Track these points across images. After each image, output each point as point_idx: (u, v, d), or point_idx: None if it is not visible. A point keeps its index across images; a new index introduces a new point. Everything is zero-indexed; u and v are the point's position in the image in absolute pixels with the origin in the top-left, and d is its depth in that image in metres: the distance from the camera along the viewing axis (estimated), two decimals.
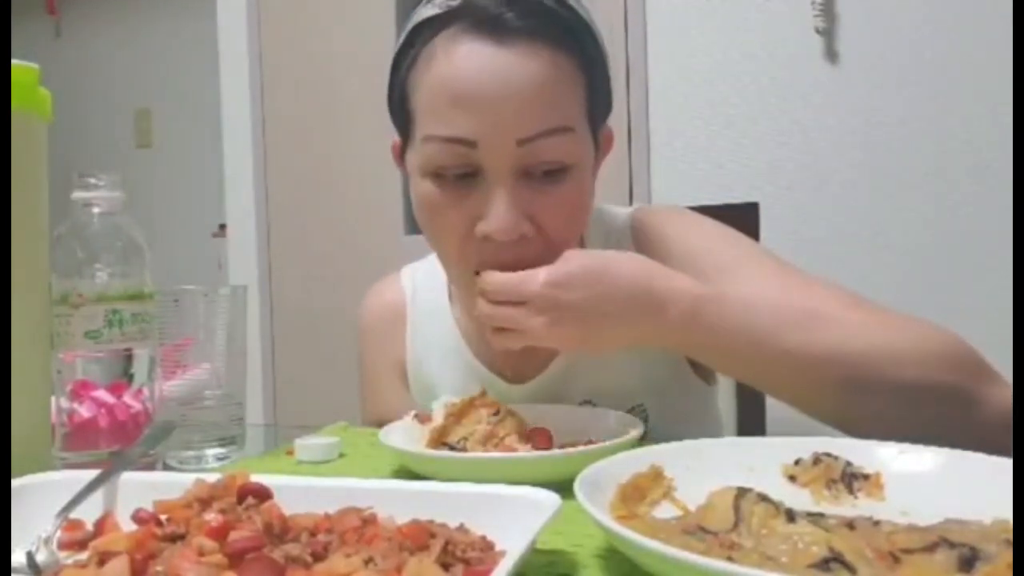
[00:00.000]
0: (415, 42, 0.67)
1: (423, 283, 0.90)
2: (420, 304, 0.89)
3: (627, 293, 0.61)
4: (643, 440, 0.60)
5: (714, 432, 0.86)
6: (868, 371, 0.59)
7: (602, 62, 0.70)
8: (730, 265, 0.72)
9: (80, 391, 0.69)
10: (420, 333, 0.88)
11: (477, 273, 0.66)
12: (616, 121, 1.91)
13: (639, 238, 0.80)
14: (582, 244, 0.81)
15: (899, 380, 0.59)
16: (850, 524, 0.39)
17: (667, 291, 0.62)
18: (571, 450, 0.57)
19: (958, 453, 0.46)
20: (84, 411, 0.69)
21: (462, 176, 0.66)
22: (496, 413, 0.66)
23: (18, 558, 0.41)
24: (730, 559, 0.35)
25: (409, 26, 0.68)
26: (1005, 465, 0.43)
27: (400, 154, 0.74)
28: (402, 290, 0.91)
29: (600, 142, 0.73)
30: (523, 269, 0.63)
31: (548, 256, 0.64)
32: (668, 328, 0.61)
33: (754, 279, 0.70)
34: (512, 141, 0.63)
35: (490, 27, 0.63)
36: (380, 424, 0.68)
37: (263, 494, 0.44)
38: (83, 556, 0.41)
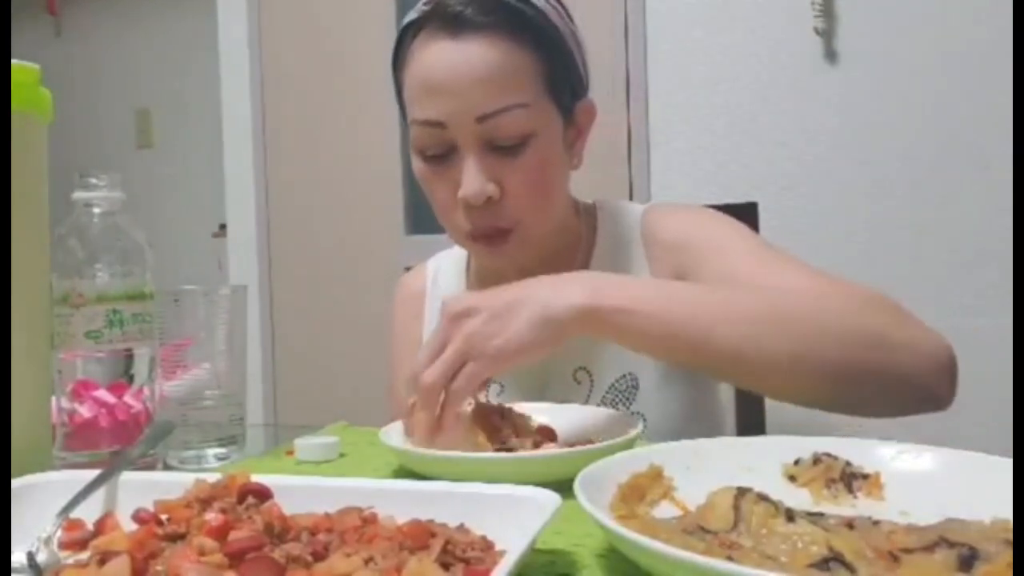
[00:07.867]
0: (403, 44, 0.79)
1: (444, 265, 0.98)
2: (440, 283, 0.97)
3: (520, 285, 0.64)
4: (640, 427, 0.61)
5: (714, 431, 0.86)
6: (799, 320, 0.63)
7: (563, 46, 0.79)
8: (711, 247, 0.79)
9: (81, 391, 0.69)
10: (437, 308, 0.92)
11: (472, 238, 0.78)
12: (616, 121, 1.92)
13: (645, 226, 0.86)
14: (594, 232, 0.88)
15: (826, 324, 0.63)
16: (850, 524, 0.39)
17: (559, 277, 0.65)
18: (571, 450, 0.57)
19: (958, 453, 0.46)
20: (85, 411, 0.69)
21: (442, 155, 0.77)
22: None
23: (18, 558, 0.41)
24: (730, 559, 0.35)
25: (399, 30, 0.80)
26: (1005, 465, 0.43)
27: None
28: (425, 274, 1.00)
29: (576, 115, 0.82)
30: (496, 233, 0.76)
31: (517, 218, 0.76)
32: (576, 301, 0.61)
33: (728, 260, 0.77)
34: (472, 119, 0.74)
35: (452, 24, 0.74)
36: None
37: (263, 494, 0.44)
38: (84, 556, 0.41)
